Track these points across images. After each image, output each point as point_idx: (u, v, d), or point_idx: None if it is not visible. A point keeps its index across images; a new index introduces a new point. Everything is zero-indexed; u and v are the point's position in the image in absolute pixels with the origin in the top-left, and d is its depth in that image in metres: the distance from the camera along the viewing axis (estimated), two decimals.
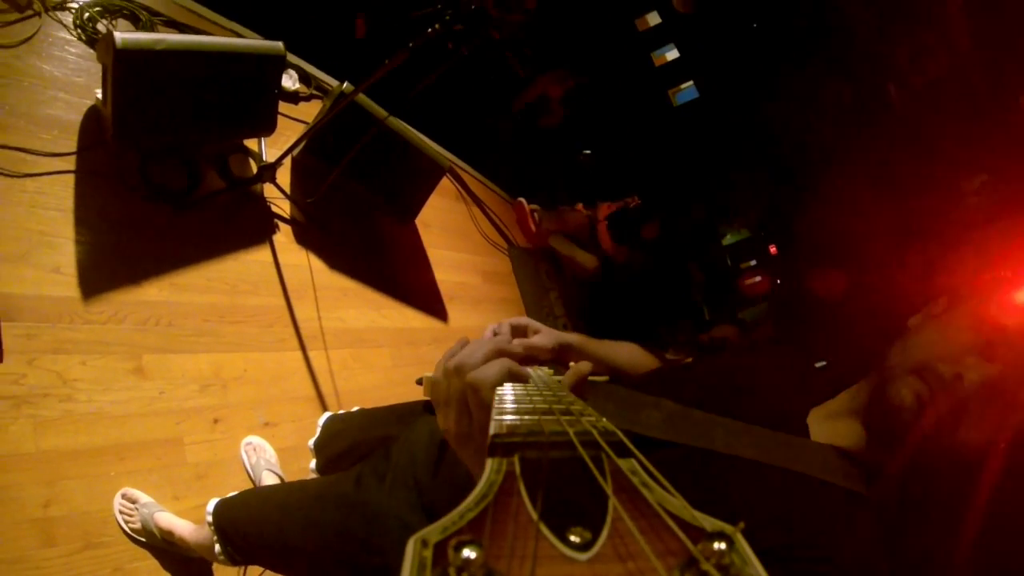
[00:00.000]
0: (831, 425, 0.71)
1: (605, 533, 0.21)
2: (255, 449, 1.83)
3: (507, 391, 0.44)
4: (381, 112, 2.35)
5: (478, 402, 0.47)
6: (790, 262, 3.87)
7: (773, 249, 4.01)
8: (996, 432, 0.59)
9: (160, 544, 1.50)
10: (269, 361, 2.04)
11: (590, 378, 0.62)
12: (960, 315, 0.67)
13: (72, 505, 1.43)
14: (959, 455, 0.62)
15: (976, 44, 2.54)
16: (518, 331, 0.85)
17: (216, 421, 1.80)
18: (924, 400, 0.62)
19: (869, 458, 0.67)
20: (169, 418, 1.70)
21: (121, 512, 1.49)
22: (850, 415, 0.70)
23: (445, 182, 3.10)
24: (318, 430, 1.23)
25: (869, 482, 0.64)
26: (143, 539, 1.50)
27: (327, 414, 1.27)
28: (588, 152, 4.07)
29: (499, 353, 0.51)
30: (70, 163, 1.75)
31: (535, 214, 4.00)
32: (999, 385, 0.60)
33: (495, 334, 0.81)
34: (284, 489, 1.42)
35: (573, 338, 0.87)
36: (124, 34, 1.56)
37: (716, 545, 0.19)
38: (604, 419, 0.35)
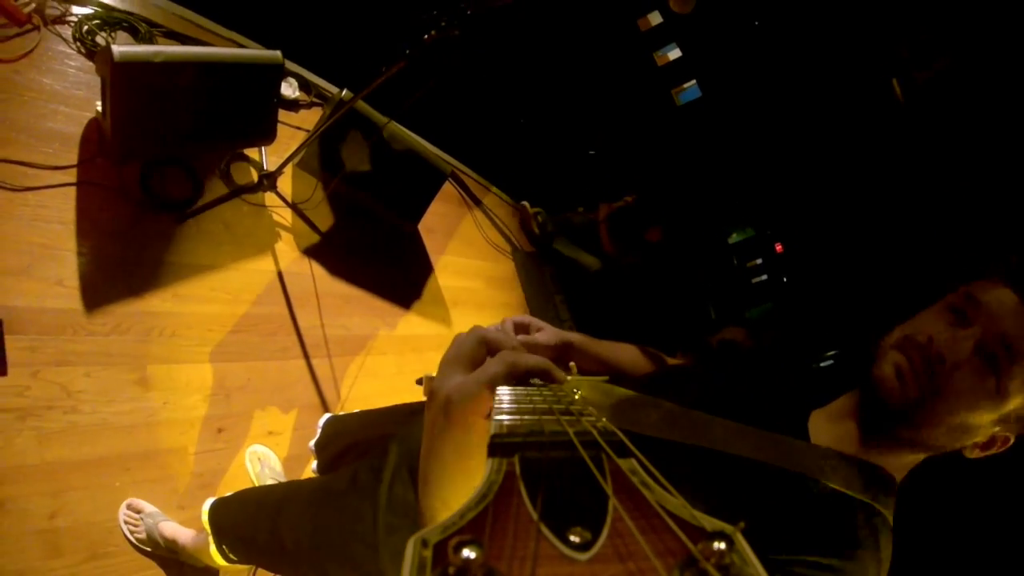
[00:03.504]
0: (835, 426, 0.71)
1: (605, 533, 0.21)
2: (260, 458, 1.84)
3: (507, 391, 0.44)
4: (381, 119, 2.36)
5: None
6: (797, 262, 3.85)
7: (779, 247, 4.00)
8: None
9: (165, 554, 1.51)
10: (272, 370, 2.05)
11: (591, 378, 0.62)
12: (938, 305, 0.70)
13: (77, 516, 1.44)
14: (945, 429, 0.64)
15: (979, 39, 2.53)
16: (521, 328, 0.85)
17: (220, 430, 1.81)
18: (904, 370, 0.65)
19: (871, 458, 0.67)
20: (173, 428, 1.70)
21: (126, 522, 1.50)
22: (851, 415, 0.70)
23: (447, 187, 3.11)
24: (318, 431, 1.23)
25: (867, 484, 0.64)
26: (148, 549, 1.51)
27: (327, 415, 1.28)
28: (593, 152, 4.07)
29: (483, 340, 0.50)
30: (71, 176, 1.76)
31: (538, 217, 4.01)
32: (979, 342, 0.63)
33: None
34: (280, 488, 1.43)
35: (575, 337, 0.87)
36: (122, 47, 1.57)
37: (716, 545, 0.19)
38: (604, 419, 0.35)
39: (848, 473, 0.64)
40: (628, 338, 1.02)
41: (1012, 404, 0.63)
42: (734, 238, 4.25)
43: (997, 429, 0.65)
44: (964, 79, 2.62)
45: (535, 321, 0.85)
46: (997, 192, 2.48)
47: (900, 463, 0.68)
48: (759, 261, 4.16)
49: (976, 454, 0.67)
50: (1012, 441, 0.65)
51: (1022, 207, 2.30)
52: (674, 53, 3.64)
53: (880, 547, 0.60)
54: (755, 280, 4.16)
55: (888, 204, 3.02)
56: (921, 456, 0.68)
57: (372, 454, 0.99)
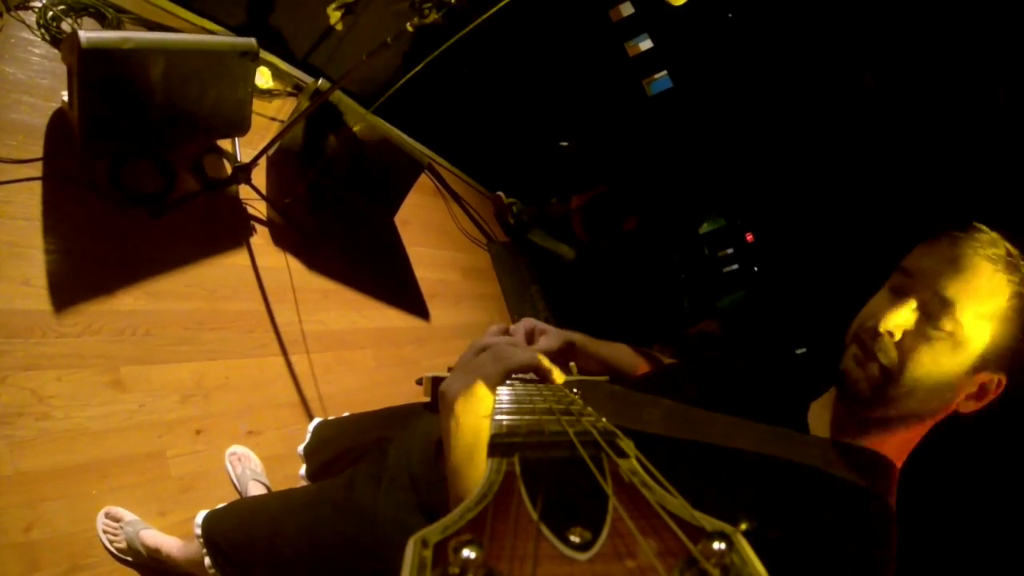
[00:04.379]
0: (831, 415, 0.72)
1: (605, 533, 0.21)
2: (240, 459, 1.80)
3: (507, 392, 0.45)
4: (359, 109, 2.32)
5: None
6: (767, 251, 3.92)
7: (750, 237, 4.06)
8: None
9: (147, 562, 1.46)
10: (251, 367, 2.01)
11: (590, 378, 0.63)
12: (883, 287, 0.73)
13: (55, 527, 1.39)
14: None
15: (952, 38, 2.58)
16: (527, 333, 0.85)
17: (199, 432, 1.77)
18: (860, 358, 0.68)
19: (866, 443, 0.69)
20: (150, 431, 1.66)
21: (105, 531, 1.45)
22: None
23: (423, 178, 3.08)
24: (308, 436, 1.21)
25: (869, 472, 0.65)
26: (129, 558, 1.46)
27: (317, 420, 1.26)
28: (566, 143, 4.07)
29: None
30: (36, 169, 1.69)
31: (513, 207, 4.00)
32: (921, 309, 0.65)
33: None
34: (275, 497, 1.41)
35: (576, 337, 0.88)
36: (89, 33, 1.51)
37: (716, 545, 0.19)
38: (604, 419, 0.35)
39: (849, 462, 0.65)
40: (605, 329, 1.03)
41: (980, 348, 0.64)
42: (705, 228, 4.30)
43: (983, 376, 0.66)
44: (935, 72, 2.67)
45: (539, 324, 0.86)
46: (967, 180, 2.54)
47: (899, 443, 0.70)
48: (730, 250, 4.22)
49: (971, 407, 0.68)
50: (1006, 382, 0.66)
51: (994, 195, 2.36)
52: (645, 44, 3.65)
53: (886, 533, 0.61)
54: (726, 269, 4.22)
55: (858, 192, 3.09)
56: (918, 430, 0.69)
57: (368, 459, 0.98)
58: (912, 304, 0.66)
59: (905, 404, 0.66)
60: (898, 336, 0.65)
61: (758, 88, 3.31)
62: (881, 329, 0.66)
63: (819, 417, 0.73)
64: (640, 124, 3.81)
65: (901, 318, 0.65)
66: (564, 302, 3.99)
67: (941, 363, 0.64)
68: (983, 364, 0.64)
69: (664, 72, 3.69)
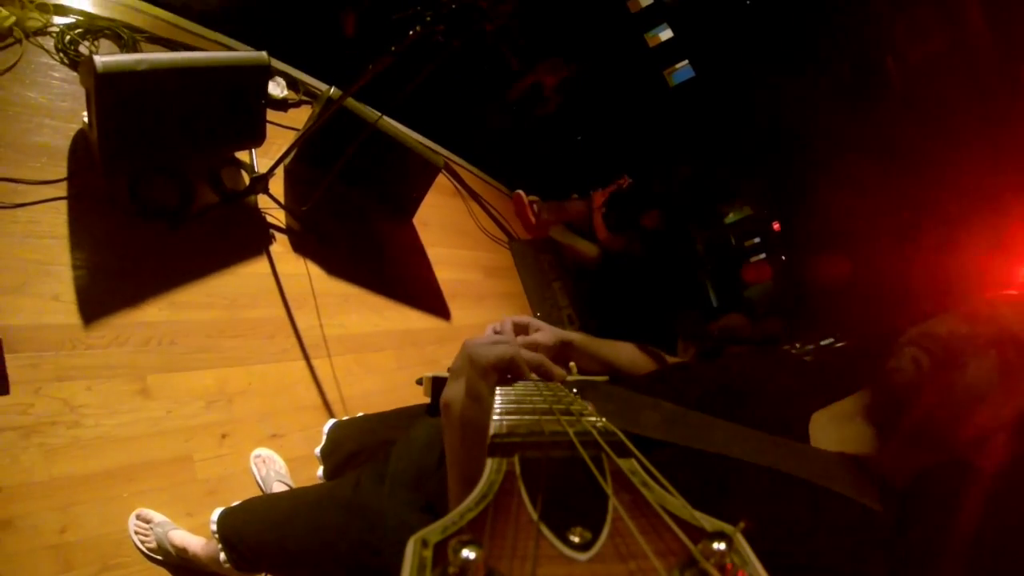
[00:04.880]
0: (838, 429, 0.69)
1: (605, 533, 0.21)
2: (264, 461, 1.84)
3: (508, 392, 0.44)
4: (371, 114, 2.34)
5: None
6: (794, 240, 3.85)
7: (776, 226, 3.99)
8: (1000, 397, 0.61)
9: (176, 562, 1.52)
10: (273, 372, 2.05)
11: (590, 378, 0.62)
12: (956, 308, 0.69)
13: (87, 529, 1.45)
14: (964, 434, 0.62)
15: (983, 15, 2.50)
16: (520, 329, 0.85)
17: (224, 436, 1.81)
18: (922, 364, 0.64)
19: (877, 462, 0.66)
20: (177, 436, 1.71)
21: (136, 532, 1.52)
22: (859, 417, 0.69)
23: (441, 179, 3.09)
24: (324, 437, 1.24)
25: (869, 489, 0.63)
26: (160, 557, 1.52)
27: (332, 421, 1.28)
28: (580, 138, 4.06)
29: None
30: (61, 189, 1.75)
31: (534, 205, 3.99)
32: (996, 338, 0.62)
33: (496, 332, 0.81)
34: (286, 496, 1.45)
35: (575, 336, 0.87)
36: (104, 57, 1.55)
37: (716, 545, 0.19)
38: (604, 419, 0.35)
39: (854, 479, 0.62)
40: (629, 325, 1.01)
41: (1012, 408, 0.62)
42: (731, 218, 4.25)
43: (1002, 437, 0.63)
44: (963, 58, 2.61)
45: (534, 321, 0.85)
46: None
47: (907, 467, 0.67)
48: (757, 240, 4.16)
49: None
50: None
51: None
52: (665, 33, 3.62)
53: (886, 553, 0.59)
54: (754, 259, 4.16)
55: (882, 177, 3.02)
56: (927, 460, 0.67)
57: (374, 460, 1.00)
58: (992, 330, 0.63)
59: (938, 425, 0.64)
60: (967, 354, 0.63)
61: (776, 74, 3.26)
62: (954, 347, 0.64)
63: (822, 429, 0.70)
64: (662, 115, 3.78)
65: (978, 341, 0.63)
66: (587, 298, 3.98)
67: (985, 398, 0.62)
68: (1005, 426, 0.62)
69: (685, 62, 3.65)
